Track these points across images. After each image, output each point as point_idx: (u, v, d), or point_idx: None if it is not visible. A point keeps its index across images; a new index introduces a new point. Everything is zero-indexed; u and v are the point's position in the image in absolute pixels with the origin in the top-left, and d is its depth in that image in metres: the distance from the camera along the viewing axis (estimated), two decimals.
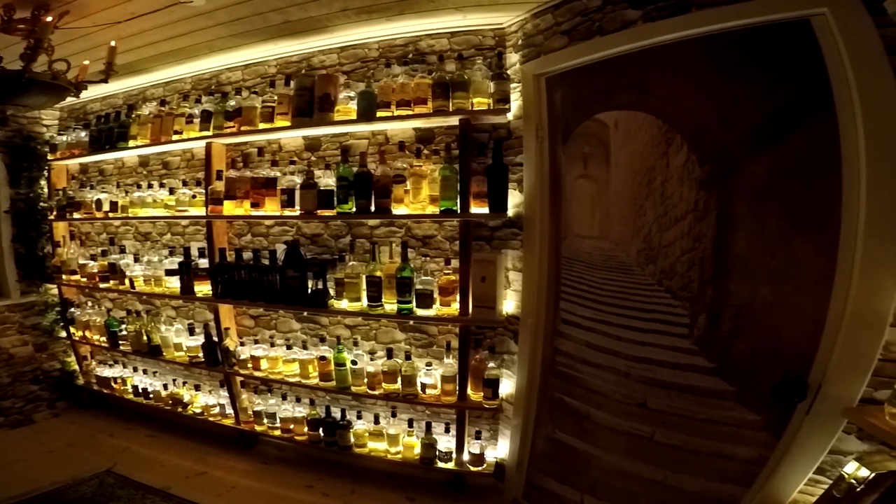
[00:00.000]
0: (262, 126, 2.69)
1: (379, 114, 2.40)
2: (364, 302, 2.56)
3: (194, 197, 3.00)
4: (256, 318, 3.12)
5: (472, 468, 2.44)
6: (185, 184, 3.16)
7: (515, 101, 2.27)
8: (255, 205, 2.77)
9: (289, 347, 2.85)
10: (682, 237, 1.79)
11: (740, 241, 1.65)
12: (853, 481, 1.28)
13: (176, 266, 3.04)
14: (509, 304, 2.42)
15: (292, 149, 2.92)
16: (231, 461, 2.93)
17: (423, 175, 2.41)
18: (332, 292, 2.66)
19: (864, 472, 1.27)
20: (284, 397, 2.89)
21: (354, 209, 2.52)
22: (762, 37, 1.52)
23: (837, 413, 1.41)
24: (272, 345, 2.91)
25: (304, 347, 2.81)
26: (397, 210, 2.43)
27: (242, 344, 2.97)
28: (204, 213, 2.91)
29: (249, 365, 2.87)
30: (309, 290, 2.68)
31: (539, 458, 2.32)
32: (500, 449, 2.51)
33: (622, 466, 1.97)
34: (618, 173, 2.00)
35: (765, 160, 1.57)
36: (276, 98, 2.67)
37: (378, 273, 2.52)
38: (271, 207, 2.74)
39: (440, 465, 2.49)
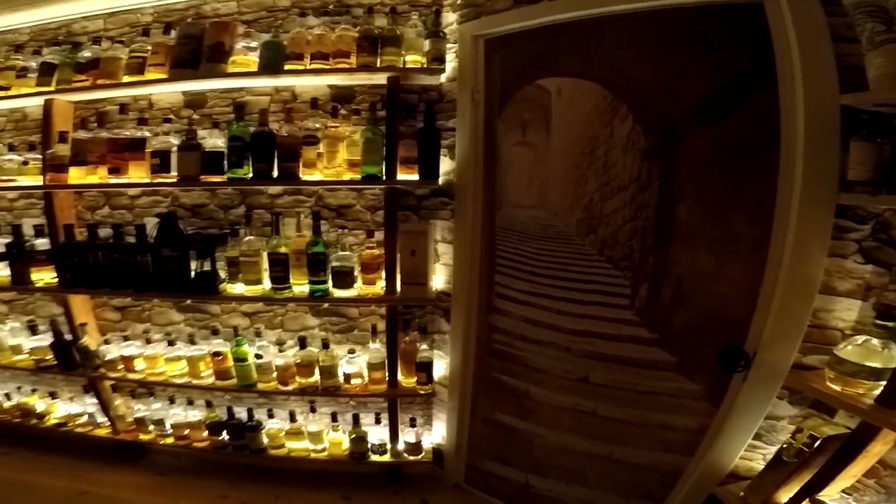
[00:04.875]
0: (127, 79, 2.18)
1: (287, 66, 2.05)
2: (266, 284, 2.24)
3: (26, 164, 2.37)
4: (123, 310, 2.59)
5: (409, 458, 2.32)
6: (11, 148, 2.47)
7: (450, 63, 2.07)
8: (114, 171, 2.25)
9: (171, 343, 2.41)
10: (625, 206, 1.79)
11: (682, 211, 1.69)
12: (802, 446, 1.39)
13: (2, 249, 2.36)
14: (438, 279, 2.28)
15: (167, 105, 2.41)
16: (118, 476, 2.47)
17: (341, 137, 2.12)
18: (222, 274, 2.28)
19: (809, 436, 1.38)
20: (172, 400, 2.46)
21: (252, 174, 2.15)
22: (713, 14, 1.52)
23: (773, 380, 1.52)
24: (148, 341, 2.44)
25: (192, 342, 2.39)
26: (309, 176, 2.12)
27: (107, 342, 2.44)
28: (41, 183, 2.30)
29: (120, 366, 2.39)
30: (192, 273, 2.26)
31: (479, 441, 2.28)
32: (435, 434, 2.42)
33: (566, 443, 2.00)
34: (559, 141, 1.93)
35: (709, 133, 1.60)
36: (149, 48, 2.17)
37: (283, 249, 2.20)
38: (137, 174, 2.25)
39: (374, 458, 2.33)
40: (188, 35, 2.12)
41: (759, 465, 1.61)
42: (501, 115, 2.02)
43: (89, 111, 2.44)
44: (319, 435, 2.31)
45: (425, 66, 2.02)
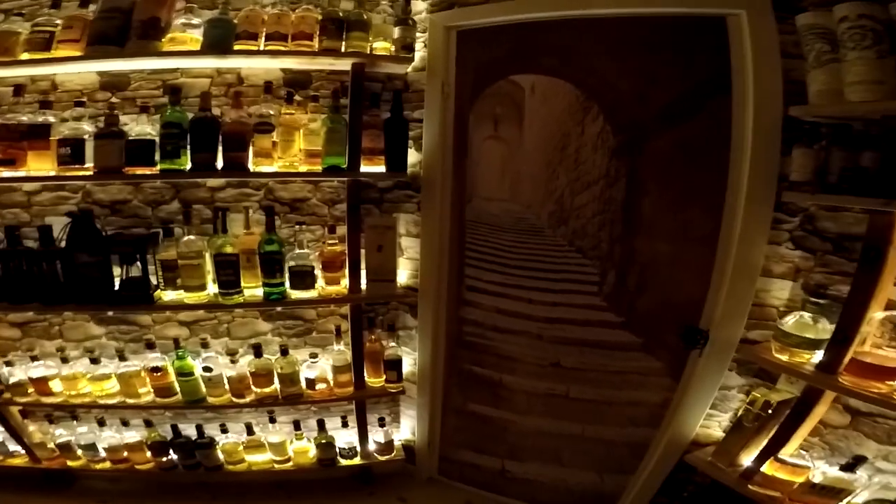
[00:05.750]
0: (25, 56, 1.88)
1: (237, 46, 1.90)
2: (211, 289, 2.07)
3: None
4: (23, 326, 2.22)
5: (380, 458, 2.32)
6: None
7: (418, 52, 2.05)
8: (8, 162, 1.93)
9: (95, 361, 2.13)
10: (594, 200, 1.95)
11: (646, 205, 1.89)
12: (759, 412, 1.64)
13: None
14: (402, 273, 2.28)
15: (77, 87, 2.10)
16: None
17: (296, 125, 2.01)
18: (154, 280, 2.07)
19: (764, 402, 1.63)
20: (102, 423, 2.18)
21: (191, 166, 1.97)
22: (681, 25, 1.70)
23: (725, 354, 1.77)
24: (64, 360, 2.12)
25: (122, 358, 2.14)
26: (265, 167, 1.99)
27: (9, 363, 2.10)
28: None
29: (31, 390, 2.08)
30: (118, 281, 2.03)
31: (452, 433, 2.35)
32: (403, 431, 2.44)
33: (541, 427, 2.15)
34: (531, 137, 2.03)
35: (671, 135, 1.80)
36: (58, 22, 1.89)
37: (229, 249, 2.05)
38: (39, 166, 1.95)
39: (344, 462, 2.29)
40: (113, 8, 1.87)
41: (717, 432, 1.87)
42: (473, 108, 2.06)
43: None
44: (282, 445, 2.22)
45: (394, 53, 1.99)
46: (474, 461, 2.31)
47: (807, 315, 1.60)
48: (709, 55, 1.68)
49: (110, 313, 2.22)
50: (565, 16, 1.80)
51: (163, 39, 1.91)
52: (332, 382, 2.20)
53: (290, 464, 2.26)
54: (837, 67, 1.41)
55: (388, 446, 2.32)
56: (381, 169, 2.08)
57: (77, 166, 1.94)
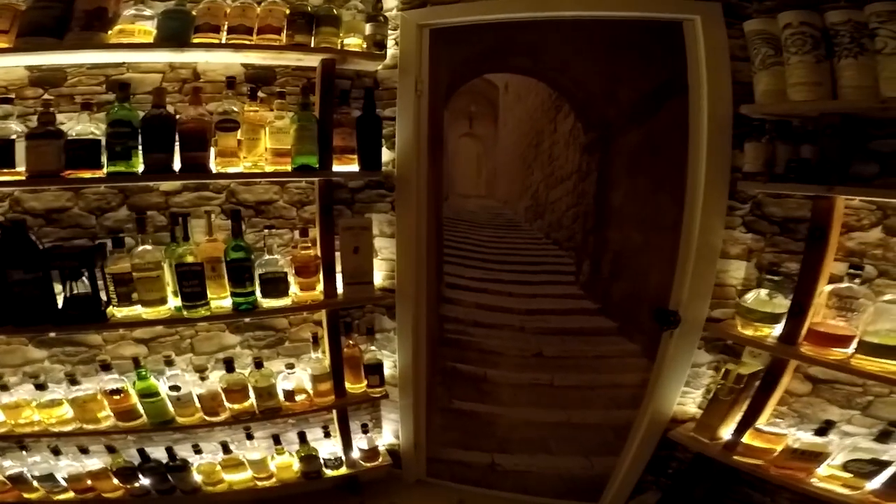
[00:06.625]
0: None
1: (197, 39, 1.83)
2: (172, 302, 1.99)
3: None
4: None
5: (366, 465, 2.33)
6: None
7: (390, 49, 2.08)
8: None
9: (40, 387, 1.96)
10: (568, 194, 2.10)
11: (616, 197, 2.07)
12: (733, 385, 1.83)
13: None
14: (377, 275, 2.30)
15: (1, 83, 1.92)
16: None
17: (262, 123, 1.98)
18: (105, 296, 1.95)
19: (736, 376, 1.82)
20: (57, 451, 2.02)
21: (144, 168, 1.88)
22: (646, 29, 1.88)
23: (694, 332, 1.98)
24: (4, 387, 1.94)
25: (74, 382, 1.99)
26: (232, 168, 1.94)
27: None
28: None
29: None
30: (62, 298, 1.90)
31: (438, 432, 2.41)
32: (386, 436, 2.47)
33: (527, 417, 2.28)
34: (506, 134, 2.14)
35: (638, 131, 1.99)
36: None
37: (191, 258, 1.98)
38: None
39: (329, 473, 2.28)
40: None
41: (693, 409, 2.08)
42: (447, 105, 2.13)
43: None
44: (263, 462, 2.17)
45: (366, 49, 2.01)
46: (463, 458, 2.40)
47: (763, 292, 1.82)
48: (670, 57, 1.87)
49: (52, 335, 2.05)
50: (535, 17, 1.92)
51: (109, 31, 1.81)
52: (311, 392, 2.19)
53: (274, 480, 2.21)
54: (781, 70, 1.64)
55: (372, 452, 2.33)
56: (355, 168, 2.09)
57: (6, 170, 1.78)
